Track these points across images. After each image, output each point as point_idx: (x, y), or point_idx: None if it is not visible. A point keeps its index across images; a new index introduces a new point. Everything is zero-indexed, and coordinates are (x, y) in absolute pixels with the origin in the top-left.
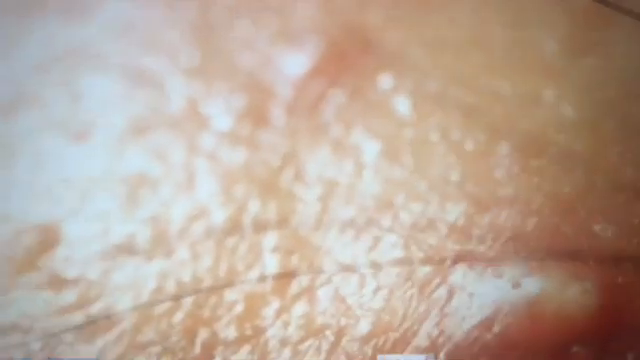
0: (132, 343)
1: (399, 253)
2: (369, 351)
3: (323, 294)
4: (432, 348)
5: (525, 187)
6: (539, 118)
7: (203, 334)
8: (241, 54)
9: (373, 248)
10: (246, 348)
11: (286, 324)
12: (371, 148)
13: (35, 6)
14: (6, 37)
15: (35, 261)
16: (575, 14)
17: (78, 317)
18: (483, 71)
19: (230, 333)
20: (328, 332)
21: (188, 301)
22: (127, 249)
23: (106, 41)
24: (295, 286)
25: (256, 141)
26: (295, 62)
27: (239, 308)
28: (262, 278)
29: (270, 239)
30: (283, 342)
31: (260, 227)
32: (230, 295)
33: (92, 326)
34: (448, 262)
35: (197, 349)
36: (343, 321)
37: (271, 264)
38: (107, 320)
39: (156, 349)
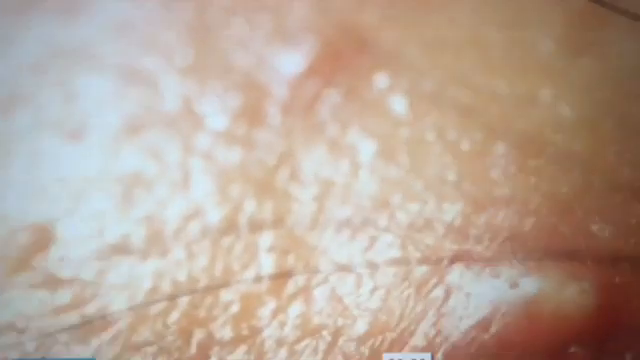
0: (127, 343)
1: (396, 253)
2: (366, 351)
3: (319, 294)
4: (429, 348)
5: (522, 187)
6: (536, 118)
7: (199, 334)
8: (236, 53)
9: (369, 248)
10: (242, 348)
11: (282, 324)
12: (367, 148)
13: (31, 6)
14: (1, 36)
15: (30, 261)
16: (571, 14)
17: (73, 317)
18: (479, 71)
19: (226, 333)
20: (325, 332)
21: (184, 301)
22: (122, 249)
23: (102, 41)
24: (291, 286)
25: (251, 140)
26: (291, 61)
27: (235, 308)
28: (258, 278)
29: (266, 239)
30: (279, 342)
31: (256, 227)
32: (226, 295)
33: (87, 326)
34: (445, 262)
35: (193, 349)
36: (340, 321)
37: (267, 264)
38: (102, 320)
39: (152, 349)
